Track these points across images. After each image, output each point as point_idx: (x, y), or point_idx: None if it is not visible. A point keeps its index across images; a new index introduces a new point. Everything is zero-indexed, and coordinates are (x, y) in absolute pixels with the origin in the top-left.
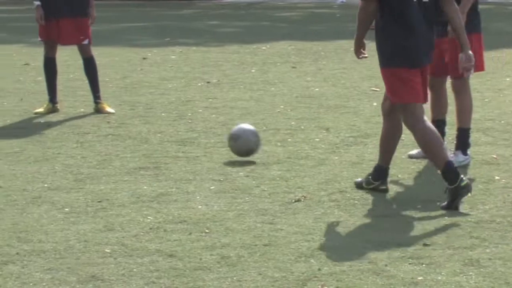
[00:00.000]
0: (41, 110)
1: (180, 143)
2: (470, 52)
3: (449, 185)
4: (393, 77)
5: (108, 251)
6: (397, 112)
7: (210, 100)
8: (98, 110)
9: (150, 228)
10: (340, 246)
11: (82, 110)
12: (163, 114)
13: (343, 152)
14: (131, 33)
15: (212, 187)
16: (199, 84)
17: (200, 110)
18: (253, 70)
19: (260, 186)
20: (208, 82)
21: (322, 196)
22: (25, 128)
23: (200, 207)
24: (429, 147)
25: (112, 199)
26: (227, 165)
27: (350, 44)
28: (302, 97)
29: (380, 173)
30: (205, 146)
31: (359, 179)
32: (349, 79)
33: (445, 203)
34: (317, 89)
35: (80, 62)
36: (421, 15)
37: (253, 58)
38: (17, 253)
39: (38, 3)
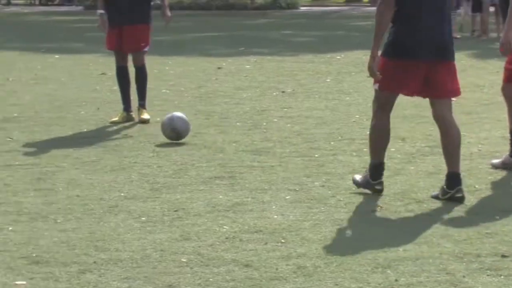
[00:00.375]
0: (116, 119)
1: (255, 152)
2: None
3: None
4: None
5: (185, 260)
6: None
7: (285, 109)
8: (139, 116)
9: (226, 238)
10: (417, 257)
11: (158, 119)
12: (238, 124)
13: (419, 162)
14: (206, 43)
15: (287, 197)
16: (274, 93)
17: (275, 120)
18: (328, 80)
19: (336, 196)
20: (283, 92)
21: (398, 207)
22: (102, 137)
23: (275, 217)
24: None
25: (188, 208)
26: (302, 175)
27: None
28: None
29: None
30: (280, 155)
31: (435, 193)
32: None
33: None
34: None
35: (154, 71)
36: (430, 11)
37: (328, 68)
38: (95, 262)
39: (101, 11)
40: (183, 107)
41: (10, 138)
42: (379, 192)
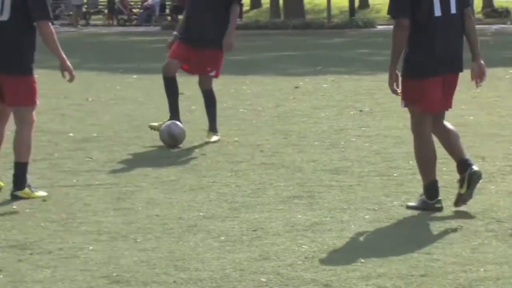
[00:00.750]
0: (155, 124)
1: (333, 172)
2: (482, 61)
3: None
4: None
5: (264, 280)
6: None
7: (363, 128)
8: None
9: (305, 257)
10: (498, 277)
11: (236, 139)
12: (316, 143)
13: (500, 181)
14: (283, 62)
15: (366, 217)
16: (352, 112)
17: (353, 139)
18: None
19: (415, 215)
20: (360, 111)
21: (478, 226)
22: (180, 157)
23: (355, 236)
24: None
25: (267, 228)
26: (381, 194)
27: (505, 72)
28: (456, 125)
29: None
30: (359, 175)
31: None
32: (504, 107)
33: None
34: (472, 117)
35: (231, 91)
36: (444, 27)
37: None
38: (174, 281)
39: (176, 33)
40: (261, 126)
41: (90, 158)
42: (439, 211)
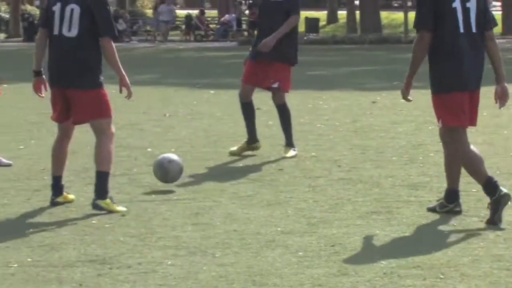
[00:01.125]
0: (234, 148)
1: (412, 187)
2: (505, 84)
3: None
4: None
5: None
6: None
7: (441, 143)
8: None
9: (384, 273)
10: None
11: (313, 154)
12: (394, 158)
13: None
14: (360, 77)
15: (445, 232)
16: (430, 127)
17: (432, 154)
18: (484, 113)
19: (495, 231)
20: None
21: None
22: (258, 172)
23: (434, 252)
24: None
25: (345, 243)
26: (460, 210)
27: None
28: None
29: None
30: (438, 190)
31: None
32: None
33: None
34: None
35: (308, 106)
36: (468, 44)
37: (484, 101)
38: None
39: (251, 49)
40: (338, 141)
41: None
42: (459, 213)
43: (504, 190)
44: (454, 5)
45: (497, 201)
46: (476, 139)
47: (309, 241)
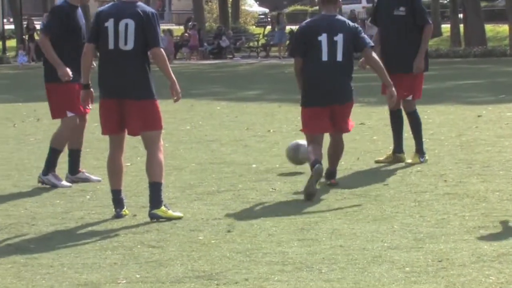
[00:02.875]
0: (381, 158)
1: None
2: (393, 88)
3: None
4: None
5: None
6: None
7: None
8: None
9: None
10: None
11: (418, 168)
12: (501, 172)
13: None
14: (465, 91)
15: None
16: None
17: None
18: None
19: None
20: None
21: None
22: (362, 187)
23: None
24: None
25: (452, 258)
26: None
27: None
28: None
29: None
30: None
31: None
32: None
33: None
34: None
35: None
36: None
37: None
38: None
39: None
40: (443, 155)
41: (273, 189)
42: None
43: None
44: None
45: None
46: None
47: (416, 257)
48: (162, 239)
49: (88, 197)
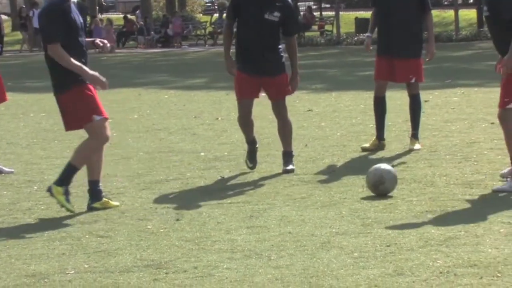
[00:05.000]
0: (367, 145)
1: (466, 185)
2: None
3: None
4: None
5: None
6: None
7: (495, 141)
8: (410, 144)
9: (440, 273)
10: None
11: (366, 154)
12: (447, 157)
13: None
14: None
15: (501, 230)
16: (483, 125)
17: (485, 152)
18: None
19: None
20: (492, 123)
21: None
22: (311, 174)
23: (490, 250)
24: None
25: (400, 243)
26: None
27: None
28: None
29: None
30: (492, 188)
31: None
32: None
33: None
34: None
35: (361, 106)
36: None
37: None
38: None
39: (368, 34)
40: (391, 141)
41: (221, 177)
42: None
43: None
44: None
45: None
46: None
47: (364, 242)
48: (111, 229)
49: (35, 187)
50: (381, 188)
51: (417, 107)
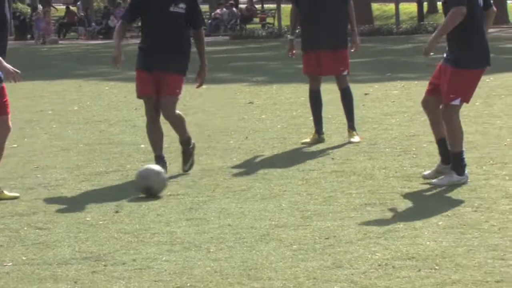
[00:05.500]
0: (307, 140)
1: (405, 178)
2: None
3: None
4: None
5: None
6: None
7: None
8: (348, 137)
9: (379, 265)
10: None
11: (306, 147)
12: (387, 150)
13: None
14: (352, 69)
15: (440, 223)
16: (423, 118)
17: (425, 145)
18: (477, 103)
19: (489, 221)
20: None
21: None
22: (251, 166)
23: (428, 243)
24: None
25: (339, 235)
26: (454, 200)
27: None
28: None
29: None
30: (431, 181)
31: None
32: None
33: None
34: None
35: (302, 99)
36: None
37: (477, 91)
38: None
39: (291, 37)
40: (331, 134)
41: None
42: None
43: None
44: None
45: None
46: (469, 129)
47: (303, 234)
48: (49, 221)
49: None
50: (153, 191)
51: (350, 99)
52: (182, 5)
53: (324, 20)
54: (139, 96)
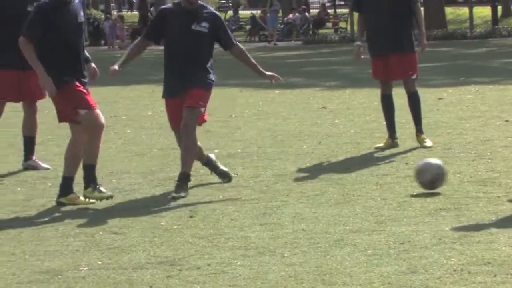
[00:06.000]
0: (381, 145)
1: (480, 183)
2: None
3: None
4: None
5: None
6: None
7: (510, 139)
8: (418, 142)
9: (454, 270)
10: None
11: (380, 152)
12: (461, 154)
13: None
14: (426, 73)
15: None
16: (498, 123)
17: (500, 149)
18: None
19: None
20: (506, 121)
21: None
22: (325, 171)
23: (504, 248)
24: None
25: (414, 240)
26: None
27: None
28: None
29: None
30: (507, 186)
31: None
32: None
33: None
34: None
35: (375, 103)
36: None
37: None
38: None
39: (358, 43)
40: (405, 139)
41: (235, 174)
42: None
43: None
44: None
45: None
46: None
47: (378, 239)
48: (124, 226)
49: (49, 184)
50: (435, 185)
51: (418, 102)
52: (204, 24)
53: (389, 25)
54: (173, 129)
